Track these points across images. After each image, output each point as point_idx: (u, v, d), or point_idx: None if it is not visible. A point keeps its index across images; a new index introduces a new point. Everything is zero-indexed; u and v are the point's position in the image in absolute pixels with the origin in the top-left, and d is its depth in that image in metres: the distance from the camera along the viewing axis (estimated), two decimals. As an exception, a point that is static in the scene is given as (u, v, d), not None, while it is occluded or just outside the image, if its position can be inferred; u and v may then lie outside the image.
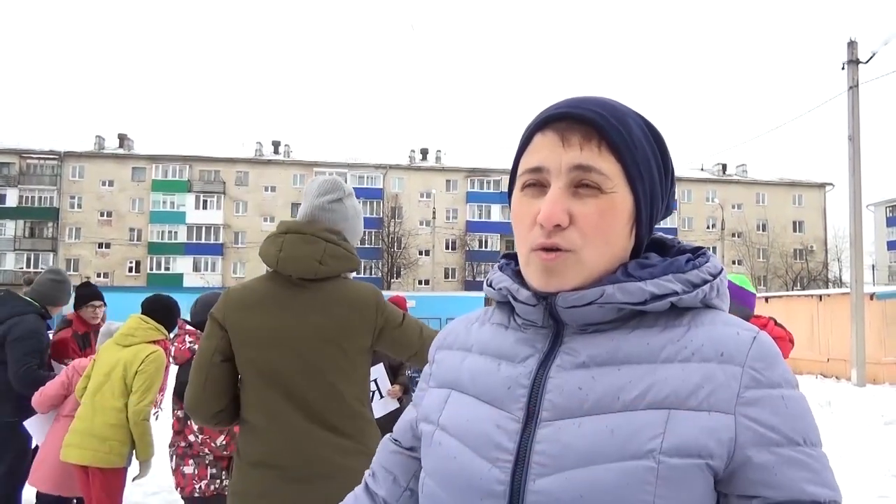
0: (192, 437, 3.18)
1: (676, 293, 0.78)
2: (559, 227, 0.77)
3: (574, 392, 0.77)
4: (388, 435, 1.05)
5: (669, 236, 0.91)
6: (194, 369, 1.86)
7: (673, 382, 0.73)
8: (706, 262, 0.83)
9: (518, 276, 0.86)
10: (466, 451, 0.81)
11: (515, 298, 0.84)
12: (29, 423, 3.74)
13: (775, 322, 3.12)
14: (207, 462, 3.17)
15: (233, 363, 1.86)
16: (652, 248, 0.89)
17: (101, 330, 3.99)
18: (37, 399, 3.69)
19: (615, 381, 0.76)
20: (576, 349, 0.80)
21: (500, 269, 0.91)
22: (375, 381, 4.18)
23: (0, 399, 3.74)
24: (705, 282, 0.80)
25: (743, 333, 0.77)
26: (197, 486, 3.14)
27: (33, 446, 3.73)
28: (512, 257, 0.92)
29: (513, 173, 0.87)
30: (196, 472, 3.16)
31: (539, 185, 0.80)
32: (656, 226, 0.85)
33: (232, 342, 1.85)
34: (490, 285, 0.91)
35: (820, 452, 0.74)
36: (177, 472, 3.19)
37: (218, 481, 3.23)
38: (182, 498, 3.22)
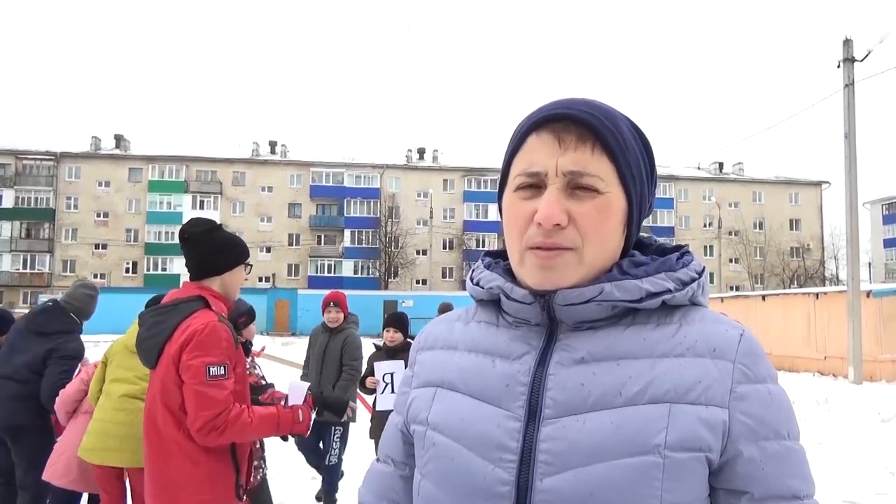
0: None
1: (670, 291, 0.80)
2: (558, 226, 0.77)
3: (576, 388, 0.76)
4: (373, 461, 1.01)
5: (645, 235, 0.92)
6: None
7: (671, 377, 0.75)
8: (692, 261, 0.85)
9: (509, 275, 0.85)
10: (465, 452, 0.79)
11: (509, 297, 0.83)
12: None
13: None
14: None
15: None
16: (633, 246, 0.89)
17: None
18: (59, 401, 3.73)
19: (616, 377, 0.76)
20: (573, 346, 0.79)
21: (488, 267, 0.90)
22: (392, 374, 4.23)
23: (34, 404, 3.85)
24: (693, 280, 0.82)
25: (731, 331, 0.79)
26: None
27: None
28: (497, 255, 0.91)
29: (504, 173, 0.86)
30: None
31: (534, 185, 0.80)
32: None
33: None
34: (477, 284, 0.90)
35: (800, 446, 0.77)
36: None
37: (261, 470, 3.65)
38: None
